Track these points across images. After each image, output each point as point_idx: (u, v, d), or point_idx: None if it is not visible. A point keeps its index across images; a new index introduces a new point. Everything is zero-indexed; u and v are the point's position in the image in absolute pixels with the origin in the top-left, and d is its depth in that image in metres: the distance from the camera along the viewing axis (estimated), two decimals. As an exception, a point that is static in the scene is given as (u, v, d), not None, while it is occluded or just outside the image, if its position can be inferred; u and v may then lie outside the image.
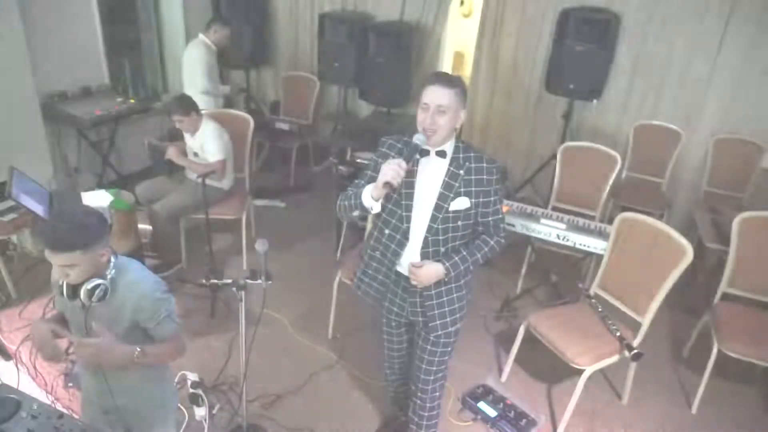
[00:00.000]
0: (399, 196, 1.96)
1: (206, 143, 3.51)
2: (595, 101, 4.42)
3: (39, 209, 2.64)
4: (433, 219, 1.96)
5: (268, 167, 5.33)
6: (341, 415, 2.71)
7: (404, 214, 1.97)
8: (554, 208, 3.67)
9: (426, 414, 2.33)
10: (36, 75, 3.78)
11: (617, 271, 2.83)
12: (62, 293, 1.61)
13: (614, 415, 2.84)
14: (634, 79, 4.44)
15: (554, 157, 4.04)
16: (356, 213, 2.01)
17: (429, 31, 4.96)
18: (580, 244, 3.05)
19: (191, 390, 2.64)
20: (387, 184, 1.78)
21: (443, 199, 1.94)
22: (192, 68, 4.25)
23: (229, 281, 2.15)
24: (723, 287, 3.03)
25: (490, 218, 2.02)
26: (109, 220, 2.65)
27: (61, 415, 1.69)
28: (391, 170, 1.78)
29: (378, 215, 2.02)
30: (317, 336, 3.23)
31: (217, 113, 3.90)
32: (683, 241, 2.53)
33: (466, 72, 7.06)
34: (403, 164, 1.80)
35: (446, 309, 2.10)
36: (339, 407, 2.76)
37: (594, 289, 2.93)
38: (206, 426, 2.52)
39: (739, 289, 3.01)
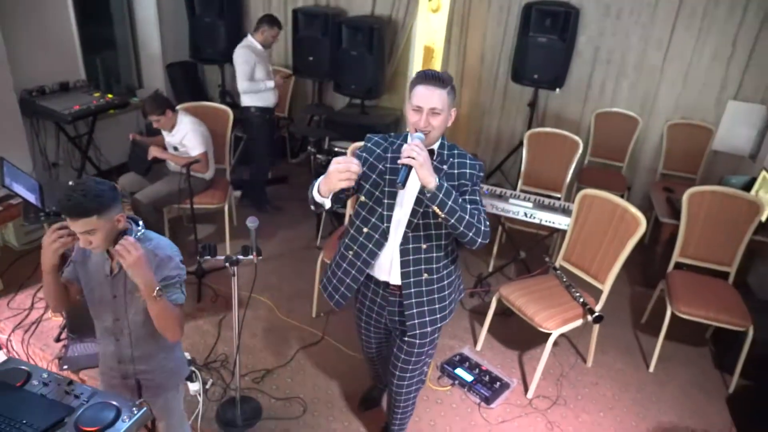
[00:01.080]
0: (381, 195, 1.94)
1: (186, 138, 3.60)
2: (558, 90, 4.68)
3: (32, 198, 2.72)
4: (414, 214, 1.92)
5: (244, 160, 5.42)
6: (328, 385, 2.88)
7: (385, 213, 1.94)
8: (522, 191, 3.90)
9: (399, 413, 2.34)
10: (13, 71, 3.83)
11: (580, 244, 3.07)
12: (109, 273, 1.76)
13: (580, 376, 3.08)
14: (594, 69, 4.72)
15: (521, 143, 4.27)
16: (312, 207, 1.87)
17: (400, 26, 5.14)
18: (546, 221, 3.28)
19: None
20: (331, 181, 1.67)
21: (422, 191, 1.81)
22: (236, 70, 4.40)
23: (222, 258, 2.27)
24: (675, 257, 3.31)
25: (469, 206, 1.86)
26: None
27: (70, 382, 1.82)
28: (338, 168, 1.63)
29: (356, 213, 2.00)
30: (302, 316, 3.39)
31: (198, 107, 4.01)
32: (638, 213, 2.78)
33: (436, 65, 7.29)
34: (354, 161, 1.66)
35: (425, 309, 2.04)
36: (325, 378, 2.92)
37: (559, 262, 3.17)
38: (201, 400, 2.66)
39: (689, 258, 3.30)
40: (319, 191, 1.77)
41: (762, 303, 3.39)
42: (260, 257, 2.29)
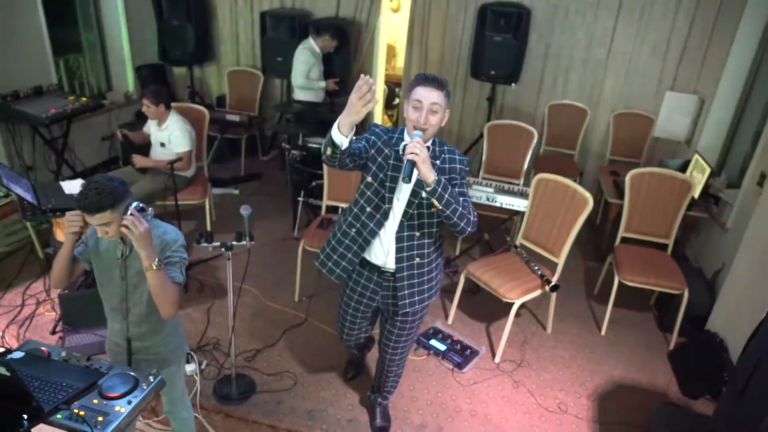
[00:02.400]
0: (385, 177, 2.10)
1: (174, 135, 3.77)
2: (513, 85, 5.04)
3: (28, 197, 2.86)
4: (409, 204, 2.10)
5: (219, 159, 5.59)
6: (314, 360, 3.13)
7: (387, 195, 2.10)
8: (484, 179, 4.23)
9: (392, 377, 2.59)
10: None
11: (537, 223, 3.41)
12: (98, 239, 1.96)
13: (541, 342, 3.43)
14: (545, 65, 5.10)
15: (482, 135, 4.60)
16: (328, 152, 1.90)
17: (364, 26, 5.40)
18: (506, 204, 3.61)
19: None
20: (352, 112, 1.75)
21: (420, 185, 2.00)
22: (295, 67, 4.97)
23: (218, 244, 2.49)
24: (621, 232, 3.69)
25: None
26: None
27: (88, 358, 2.01)
28: (361, 92, 1.72)
29: (361, 193, 2.18)
30: (286, 301, 3.62)
31: (176, 107, 4.16)
32: (586, 193, 3.13)
33: (399, 63, 7.60)
34: (371, 80, 1.73)
35: (416, 290, 2.25)
36: (311, 355, 3.17)
37: (519, 240, 3.50)
38: (198, 379, 2.88)
39: (633, 233, 3.69)
40: (339, 130, 1.81)
41: (696, 270, 3.83)
42: (253, 242, 2.52)
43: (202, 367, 3.00)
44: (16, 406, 1.51)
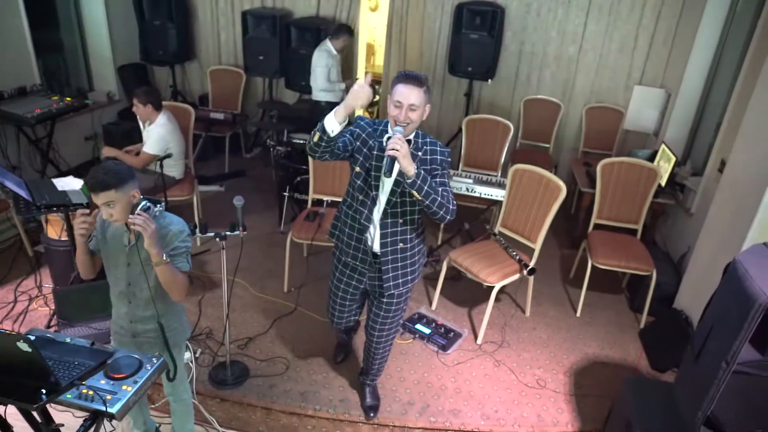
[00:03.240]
0: (370, 167, 2.25)
1: (149, 137, 3.83)
2: (490, 81, 5.23)
3: (22, 192, 2.92)
4: (392, 193, 2.25)
5: (203, 157, 5.67)
6: (305, 346, 3.25)
7: (374, 183, 2.26)
8: (463, 171, 4.40)
9: (379, 356, 2.72)
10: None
11: (514, 211, 3.59)
12: (105, 229, 2.07)
13: (520, 324, 3.61)
14: (520, 61, 5.30)
15: (460, 129, 4.77)
16: (316, 138, 2.06)
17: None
18: (485, 194, 3.78)
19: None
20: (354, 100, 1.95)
21: (402, 175, 2.10)
22: (314, 70, 5.12)
23: (212, 234, 2.61)
24: (594, 219, 3.90)
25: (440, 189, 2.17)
26: (86, 200, 3.04)
27: (93, 342, 2.12)
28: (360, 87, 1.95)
29: (353, 184, 2.32)
30: (275, 291, 3.74)
31: (165, 105, 4.25)
32: (559, 182, 3.31)
33: (378, 61, 7.73)
34: (369, 79, 1.98)
35: (399, 272, 2.41)
36: (302, 341, 3.30)
37: (498, 228, 3.68)
38: (193, 366, 2.99)
39: (604, 220, 3.90)
40: (335, 116, 2.00)
41: (664, 254, 4.05)
42: (245, 232, 2.64)
43: (197, 355, 3.10)
44: (35, 382, 1.61)
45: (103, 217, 1.97)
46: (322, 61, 5.05)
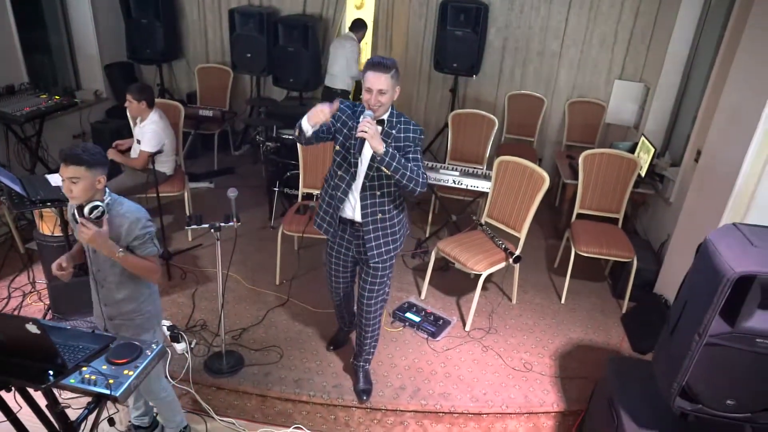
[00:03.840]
0: (350, 146, 2.45)
1: (144, 134, 3.87)
2: (474, 76, 5.33)
3: (17, 188, 2.95)
4: (369, 168, 2.46)
5: (192, 154, 5.70)
6: (298, 336, 3.33)
7: (353, 160, 2.47)
8: (450, 164, 4.50)
9: (369, 332, 2.85)
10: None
11: (499, 202, 3.69)
12: (75, 220, 2.12)
13: (507, 311, 3.72)
14: (504, 57, 5.41)
15: (446, 124, 4.87)
16: (297, 132, 2.36)
17: (331, 22, 5.61)
18: (471, 186, 3.89)
19: (168, 332, 3.16)
20: (312, 119, 2.26)
21: (375, 157, 2.33)
22: (338, 59, 5.33)
23: (207, 225, 2.67)
24: (576, 209, 4.02)
25: (411, 163, 2.39)
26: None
27: (93, 330, 2.18)
28: (315, 112, 2.25)
29: (333, 160, 2.54)
30: (267, 284, 3.81)
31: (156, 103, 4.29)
32: (543, 172, 3.42)
33: (362, 58, 7.78)
34: (326, 108, 2.24)
35: (381, 242, 2.60)
36: (295, 331, 3.37)
37: (484, 219, 3.78)
38: (189, 357, 3.05)
39: (587, 209, 4.02)
40: (307, 122, 2.31)
41: (645, 242, 4.19)
42: (240, 223, 2.71)
43: (192, 346, 3.16)
44: (42, 364, 1.67)
45: (63, 190, 2.02)
46: (354, 48, 5.29)
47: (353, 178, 2.52)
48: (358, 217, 2.58)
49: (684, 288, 2.10)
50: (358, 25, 5.42)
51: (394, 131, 2.43)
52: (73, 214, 2.14)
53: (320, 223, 2.71)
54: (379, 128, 2.38)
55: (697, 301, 1.93)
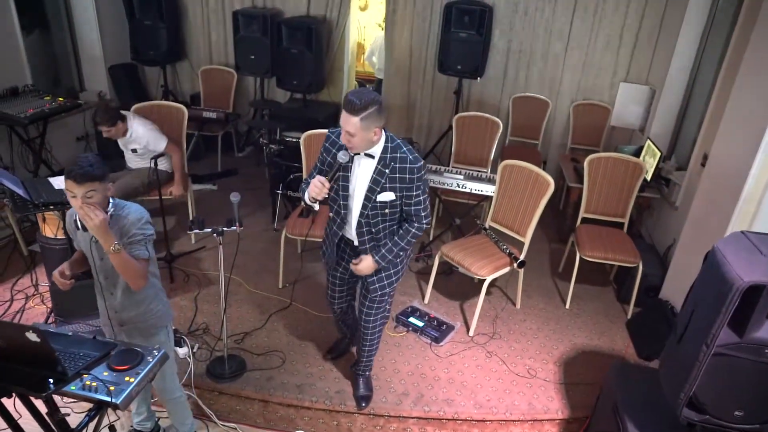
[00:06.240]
0: (338, 188, 2.38)
1: (146, 139, 3.83)
2: (479, 79, 5.30)
3: (20, 191, 2.95)
4: (364, 207, 2.36)
5: (195, 156, 5.69)
6: (301, 341, 3.31)
7: (342, 202, 2.41)
8: (454, 167, 4.47)
9: (367, 345, 2.82)
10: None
11: (504, 206, 3.67)
12: (77, 227, 2.11)
13: (510, 316, 3.69)
14: (508, 59, 5.38)
15: (450, 127, 4.85)
16: (304, 205, 2.41)
17: (335, 24, 5.58)
18: (475, 190, 3.86)
19: (171, 336, 3.14)
20: (313, 198, 2.25)
21: (371, 191, 2.30)
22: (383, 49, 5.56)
23: (209, 230, 2.65)
24: (581, 213, 3.99)
25: (412, 208, 2.36)
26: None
27: (94, 336, 2.16)
28: (315, 188, 2.23)
29: (324, 201, 2.39)
30: (270, 287, 3.79)
31: (155, 106, 4.28)
32: (548, 176, 3.39)
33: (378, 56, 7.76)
34: (326, 183, 2.21)
35: (383, 274, 2.54)
36: (297, 336, 3.35)
37: (488, 223, 3.76)
38: (191, 361, 3.04)
39: (592, 214, 3.99)
40: (308, 199, 2.35)
41: (650, 247, 4.16)
42: (242, 227, 2.69)
43: (194, 350, 3.15)
44: (42, 372, 1.66)
45: (74, 207, 2.00)
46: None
47: (344, 220, 2.46)
48: (356, 242, 2.52)
49: (691, 296, 2.08)
50: None
51: (387, 170, 2.28)
52: (75, 222, 2.12)
53: (324, 251, 2.68)
54: (371, 167, 2.30)
55: (704, 311, 1.90)
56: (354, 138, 2.17)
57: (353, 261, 2.47)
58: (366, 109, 2.12)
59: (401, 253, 2.46)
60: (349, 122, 2.14)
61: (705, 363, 1.86)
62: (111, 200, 2.11)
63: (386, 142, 2.29)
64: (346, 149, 2.27)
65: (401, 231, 2.43)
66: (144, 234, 2.14)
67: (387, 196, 2.33)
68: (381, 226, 2.42)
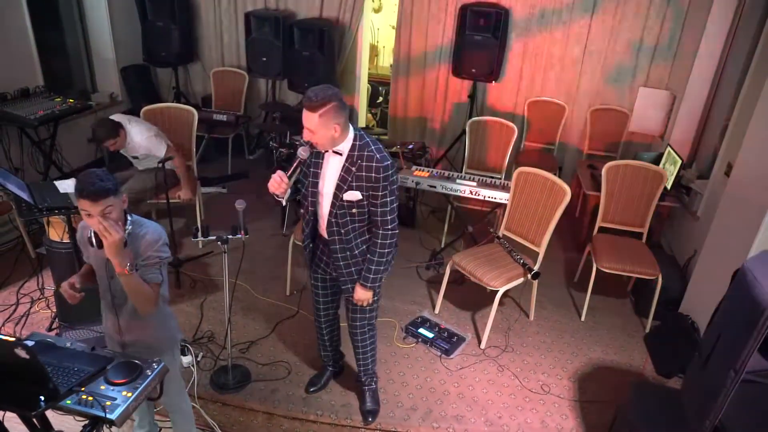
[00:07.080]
0: (309, 185, 2.34)
1: (147, 148, 3.75)
2: (494, 82, 5.19)
3: (24, 195, 2.91)
4: (332, 206, 2.29)
5: (206, 159, 5.65)
6: (307, 351, 3.23)
7: (311, 199, 2.36)
8: (467, 173, 4.37)
9: (361, 356, 2.75)
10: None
11: (518, 215, 3.56)
12: (92, 244, 2.03)
13: (524, 328, 3.58)
14: (524, 63, 5.26)
15: (464, 131, 4.75)
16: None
17: (347, 27, 5.51)
18: (489, 197, 3.75)
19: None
20: (273, 194, 2.19)
21: (339, 189, 2.24)
22: None
23: (214, 237, 2.59)
24: (599, 223, 3.86)
25: (378, 209, 2.26)
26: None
27: (93, 348, 2.10)
28: (274, 183, 2.19)
29: (297, 199, 2.46)
30: (276, 294, 3.72)
31: (165, 108, 4.24)
32: (564, 185, 3.28)
33: (381, 62, 7.71)
34: (284, 178, 2.18)
35: (355, 277, 2.44)
36: (304, 345, 3.27)
37: (502, 231, 3.65)
38: (195, 370, 2.97)
39: (609, 223, 3.86)
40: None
41: (670, 258, 4.02)
42: (247, 236, 2.62)
43: (198, 359, 3.08)
44: (33, 388, 1.59)
45: (91, 226, 1.92)
46: None
47: (315, 217, 2.41)
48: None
49: (718, 318, 1.96)
50: None
51: (354, 168, 2.21)
52: (90, 238, 2.02)
53: (305, 252, 2.60)
54: (339, 164, 2.23)
55: (732, 334, 1.79)
56: (315, 135, 2.14)
57: (347, 300, 2.48)
58: (324, 105, 2.09)
59: (381, 268, 2.38)
60: (308, 119, 2.12)
61: (733, 389, 1.75)
62: (129, 217, 2.04)
63: (355, 140, 2.22)
64: (311, 146, 2.21)
65: (370, 246, 2.37)
66: (160, 257, 2.06)
67: (353, 195, 2.25)
68: (350, 227, 2.34)
